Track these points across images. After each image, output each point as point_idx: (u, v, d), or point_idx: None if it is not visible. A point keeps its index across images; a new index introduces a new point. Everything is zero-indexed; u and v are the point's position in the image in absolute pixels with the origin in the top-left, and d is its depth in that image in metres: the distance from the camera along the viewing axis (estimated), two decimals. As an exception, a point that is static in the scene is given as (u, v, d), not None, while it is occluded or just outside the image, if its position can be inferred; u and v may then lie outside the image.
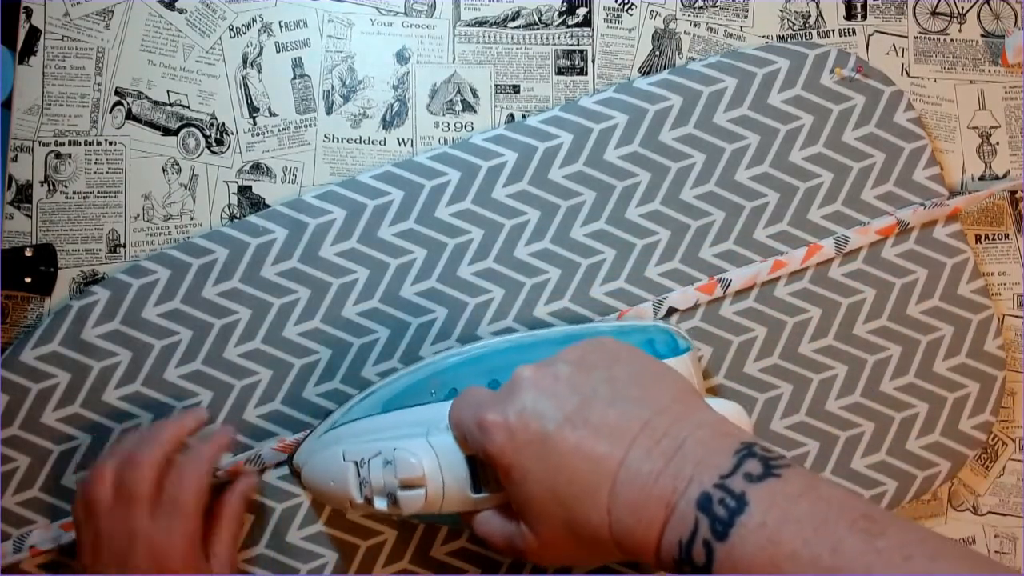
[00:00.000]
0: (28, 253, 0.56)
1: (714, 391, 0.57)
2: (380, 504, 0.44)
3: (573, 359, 0.41)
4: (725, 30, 0.62)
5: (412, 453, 0.43)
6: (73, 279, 0.57)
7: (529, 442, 0.39)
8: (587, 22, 0.61)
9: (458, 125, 0.60)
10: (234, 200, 0.59)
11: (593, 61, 0.61)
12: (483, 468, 0.43)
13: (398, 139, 0.60)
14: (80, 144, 0.58)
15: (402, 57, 0.60)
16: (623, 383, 0.40)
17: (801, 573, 0.31)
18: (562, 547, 0.39)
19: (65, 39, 0.58)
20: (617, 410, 0.38)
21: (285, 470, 0.54)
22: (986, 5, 0.64)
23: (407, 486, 0.43)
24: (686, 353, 0.51)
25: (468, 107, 0.60)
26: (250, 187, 0.59)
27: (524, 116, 0.59)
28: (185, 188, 0.58)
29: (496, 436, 0.39)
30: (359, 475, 0.45)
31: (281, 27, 0.60)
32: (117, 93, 0.58)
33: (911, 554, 0.31)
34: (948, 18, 0.63)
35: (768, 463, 0.35)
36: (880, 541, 0.31)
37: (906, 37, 0.63)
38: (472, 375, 0.49)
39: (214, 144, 0.59)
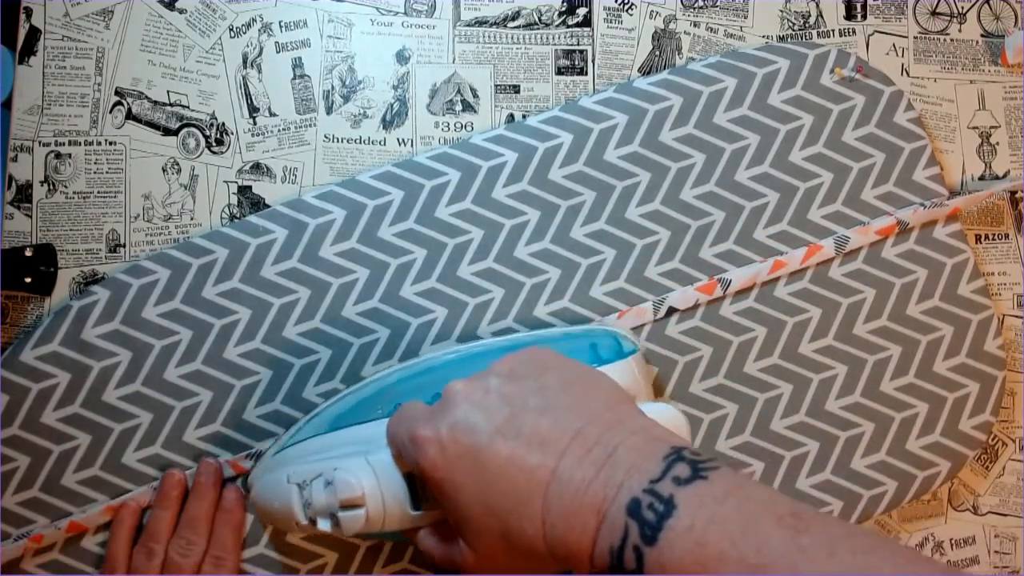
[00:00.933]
0: (28, 253, 0.56)
1: (712, 390, 0.57)
2: (323, 525, 0.44)
3: (504, 371, 0.41)
4: (725, 30, 0.62)
5: (352, 473, 0.43)
6: (73, 279, 0.57)
7: (461, 456, 0.39)
8: (587, 22, 0.61)
9: (458, 125, 0.60)
10: (234, 200, 0.59)
11: (593, 61, 0.61)
12: (421, 485, 0.43)
13: (398, 139, 0.60)
14: (80, 144, 0.58)
15: (402, 57, 0.60)
16: (554, 392, 0.40)
17: (729, 573, 0.31)
18: (499, 561, 0.39)
19: (65, 39, 0.58)
20: (548, 420, 0.38)
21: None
22: (986, 5, 0.64)
23: (347, 506, 0.43)
24: (631, 356, 0.51)
25: (468, 107, 0.60)
26: (250, 187, 0.59)
27: (524, 116, 0.59)
28: (185, 188, 0.58)
29: (428, 451, 0.39)
30: (302, 497, 0.45)
31: (281, 27, 0.60)
32: (117, 93, 0.58)
33: (835, 550, 0.31)
34: (948, 18, 0.63)
35: (696, 466, 0.35)
36: (804, 538, 0.31)
37: (906, 37, 0.63)
38: (417, 390, 0.49)
39: (214, 144, 0.59)
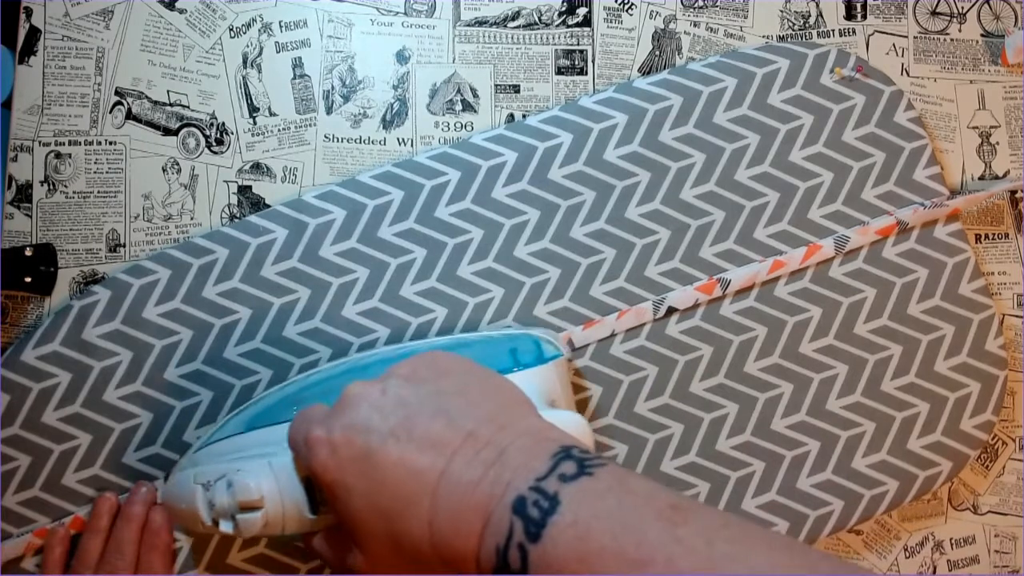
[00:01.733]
0: (28, 253, 0.56)
1: (713, 390, 0.57)
2: (225, 527, 0.44)
3: (403, 373, 0.42)
4: (725, 30, 0.62)
5: (251, 476, 0.43)
6: (73, 279, 0.57)
7: (352, 458, 0.39)
8: (587, 22, 0.61)
9: (458, 125, 0.60)
10: (234, 200, 0.59)
11: (593, 61, 0.61)
12: (318, 488, 0.43)
13: (398, 139, 0.60)
14: (80, 144, 0.58)
15: (402, 57, 0.60)
16: (450, 395, 0.40)
17: (609, 567, 0.32)
18: (390, 565, 0.39)
19: (65, 39, 0.58)
20: (441, 422, 0.38)
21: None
22: (986, 5, 0.64)
23: (246, 508, 0.42)
24: (551, 361, 0.50)
25: (468, 107, 0.60)
26: (250, 187, 0.59)
27: (524, 116, 0.59)
28: (185, 188, 0.58)
29: (319, 453, 0.39)
30: (206, 497, 0.45)
31: (281, 27, 0.60)
32: (117, 93, 0.58)
33: (712, 539, 0.31)
34: (948, 18, 0.63)
35: (583, 463, 0.35)
36: (682, 529, 0.32)
37: (906, 37, 0.63)
38: (334, 392, 0.49)
39: (214, 144, 0.59)
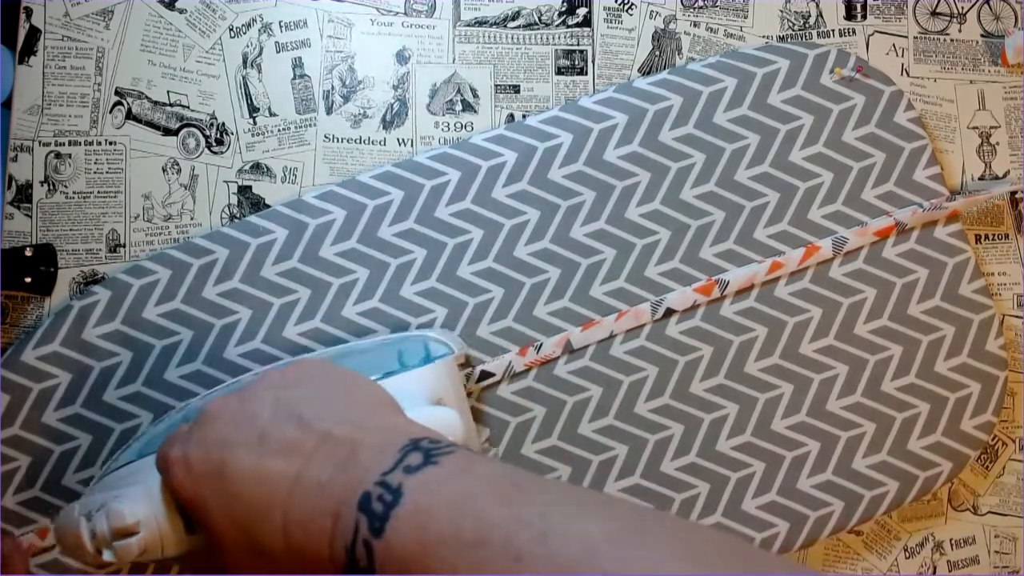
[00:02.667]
0: (28, 253, 0.56)
1: (713, 391, 0.57)
2: (107, 555, 0.44)
3: (261, 384, 0.42)
4: (725, 30, 0.62)
5: (125, 502, 0.42)
6: (73, 279, 0.57)
7: (206, 474, 0.39)
8: (587, 22, 0.61)
9: (458, 125, 0.60)
10: (234, 200, 0.59)
11: (593, 61, 0.61)
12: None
13: (398, 139, 0.60)
14: (80, 144, 0.58)
15: (402, 57, 0.60)
16: (306, 401, 0.40)
17: (448, 552, 0.32)
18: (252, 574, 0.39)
19: (65, 39, 0.58)
20: (296, 428, 0.38)
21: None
22: (986, 5, 0.64)
23: (123, 535, 0.42)
24: (439, 360, 0.51)
25: (468, 107, 0.60)
26: (250, 187, 0.59)
27: (524, 116, 0.59)
28: (185, 188, 0.58)
29: (175, 472, 0.39)
30: (89, 527, 0.45)
31: (281, 27, 0.60)
32: (117, 93, 0.58)
33: (547, 512, 0.31)
34: (948, 18, 0.63)
35: (430, 452, 0.35)
36: (521, 507, 0.32)
37: (906, 37, 0.63)
38: None
39: (214, 144, 0.59)
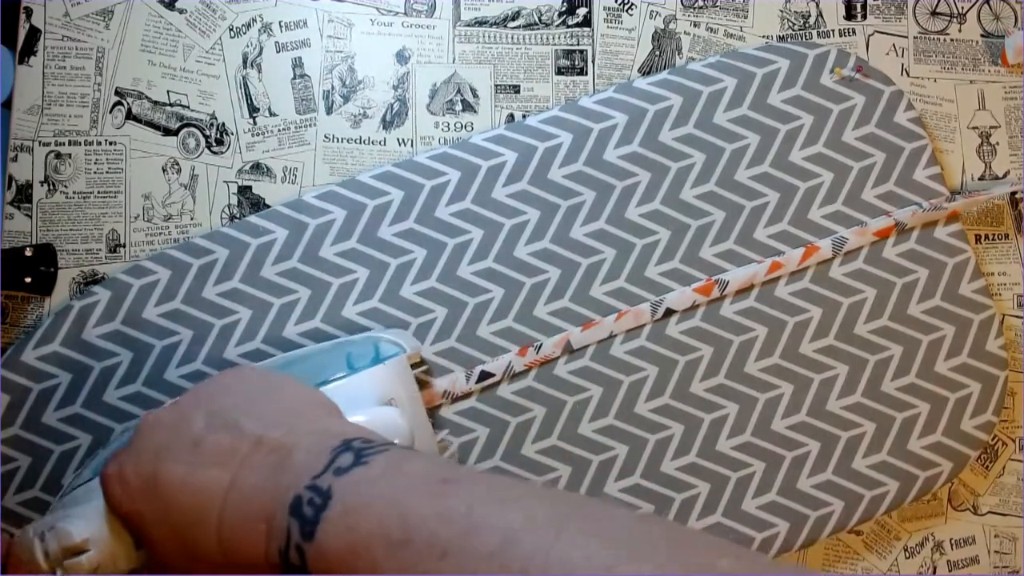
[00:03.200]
0: (28, 253, 0.56)
1: (713, 391, 0.57)
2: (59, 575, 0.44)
3: (195, 393, 0.42)
4: (725, 30, 0.62)
5: (76, 520, 0.42)
6: (73, 279, 0.57)
7: (141, 488, 0.39)
8: (587, 22, 0.61)
9: (458, 125, 0.60)
10: (234, 200, 0.59)
11: (593, 61, 0.61)
12: None
13: (398, 139, 0.60)
14: (80, 144, 0.58)
15: (402, 57, 0.60)
16: (242, 408, 0.40)
17: (376, 551, 0.32)
18: None
19: (65, 39, 0.58)
20: (229, 434, 0.38)
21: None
22: (986, 5, 0.64)
23: (73, 554, 0.42)
24: (388, 360, 0.50)
25: (468, 107, 0.60)
26: (250, 187, 0.59)
27: (524, 116, 0.59)
28: (185, 188, 0.58)
29: (112, 488, 0.40)
30: (43, 547, 0.45)
31: (281, 27, 0.60)
32: (117, 93, 0.58)
33: (472, 504, 0.31)
34: (948, 18, 0.63)
35: (361, 453, 0.35)
36: (448, 500, 0.32)
37: (906, 37, 0.63)
38: None
39: (214, 144, 0.59)
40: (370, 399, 0.48)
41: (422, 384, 0.54)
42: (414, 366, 0.53)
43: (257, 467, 0.37)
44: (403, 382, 0.50)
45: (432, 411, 0.55)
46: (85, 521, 0.43)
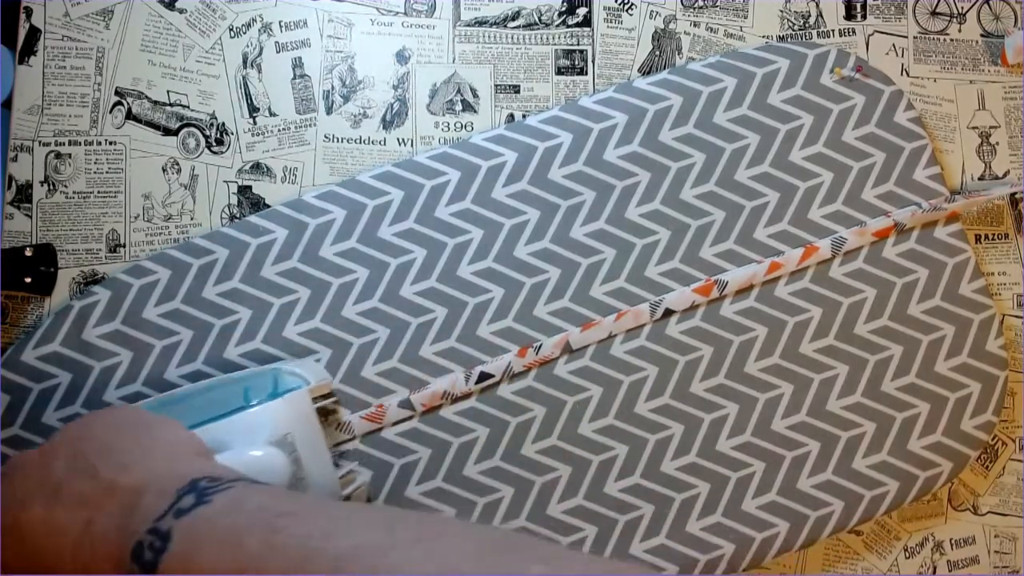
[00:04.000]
0: (28, 253, 0.56)
1: (713, 391, 0.57)
2: None
3: (61, 435, 0.42)
4: (725, 30, 0.62)
5: None
6: (73, 279, 0.57)
7: (4, 532, 0.39)
8: (587, 22, 0.61)
9: (458, 125, 0.60)
10: (234, 200, 0.59)
11: (593, 61, 0.61)
12: None
13: (398, 139, 0.60)
14: (80, 144, 0.58)
15: (402, 57, 0.60)
16: (103, 451, 0.40)
17: None
18: None
19: (65, 39, 0.58)
20: (89, 478, 0.39)
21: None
22: (986, 5, 0.64)
23: None
24: (288, 395, 0.49)
25: (468, 107, 0.60)
26: (250, 187, 0.59)
27: (524, 116, 0.59)
28: (185, 188, 0.58)
29: None
30: None
31: (281, 27, 0.60)
32: (117, 93, 0.58)
33: (307, 535, 0.32)
34: (948, 18, 0.63)
35: (204, 492, 0.36)
36: (280, 535, 0.33)
37: (906, 37, 0.63)
38: None
39: (214, 144, 0.59)
40: (261, 435, 0.47)
41: (329, 415, 0.54)
42: (322, 397, 0.52)
43: (111, 511, 0.37)
44: (300, 416, 0.49)
45: (432, 411, 0.55)
46: None
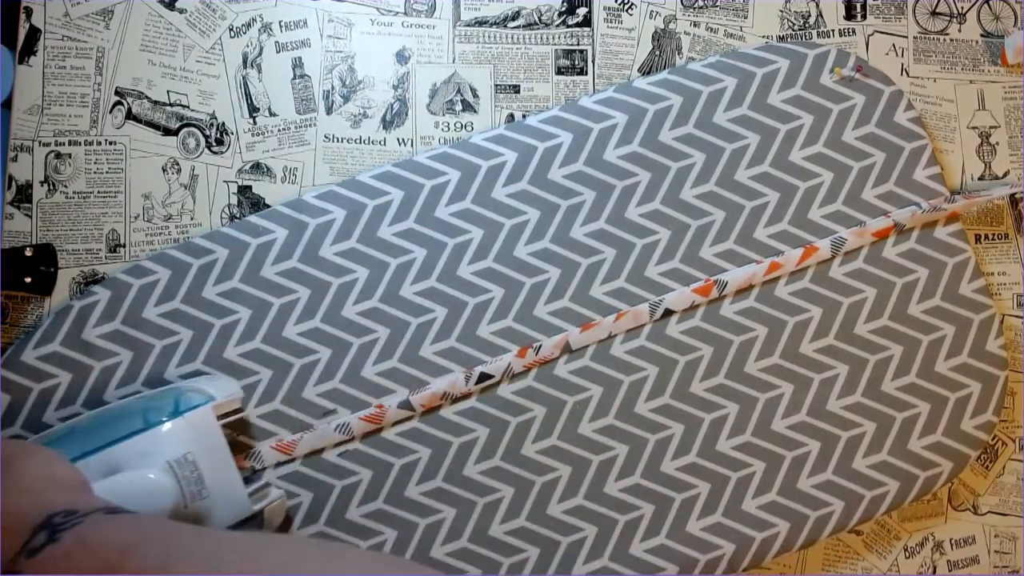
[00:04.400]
0: (28, 253, 0.56)
1: (714, 391, 0.57)
2: None
3: None
4: (725, 30, 0.62)
5: None
6: (73, 279, 0.57)
7: None
8: (587, 22, 0.61)
9: (458, 125, 0.60)
10: (234, 200, 0.59)
11: (593, 61, 0.61)
12: None
13: (398, 139, 0.60)
14: (80, 144, 0.58)
15: (402, 57, 0.60)
16: None
17: None
18: None
19: (65, 39, 0.58)
20: None
21: (285, 469, 0.55)
22: (986, 5, 0.64)
23: None
24: (188, 413, 0.49)
25: (468, 107, 0.60)
26: (250, 187, 0.59)
27: (524, 116, 0.59)
28: (185, 188, 0.58)
29: None
30: None
31: (281, 27, 0.60)
32: (117, 93, 0.58)
33: (146, 566, 0.33)
34: (948, 18, 0.63)
35: (56, 529, 0.36)
36: (130, 560, 0.33)
37: (906, 37, 0.63)
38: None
39: (214, 144, 0.59)
40: (163, 455, 0.47)
41: (237, 430, 0.54)
42: (231, 413, 0.52)
43: None
44: (202, 434, 0.49)
45: (432, 411, 0.55)
46: None
